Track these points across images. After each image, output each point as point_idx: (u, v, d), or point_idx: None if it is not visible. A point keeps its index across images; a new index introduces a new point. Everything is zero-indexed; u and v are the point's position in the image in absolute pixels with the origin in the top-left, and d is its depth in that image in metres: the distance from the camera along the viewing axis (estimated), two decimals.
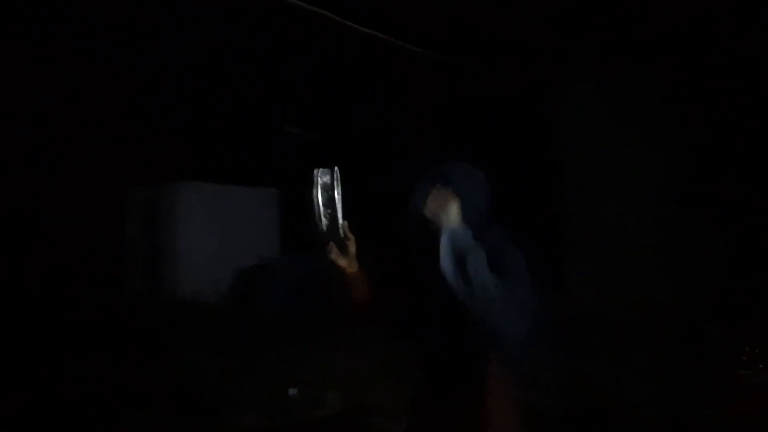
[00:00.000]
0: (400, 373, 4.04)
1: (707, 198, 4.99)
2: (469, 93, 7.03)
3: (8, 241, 7.57)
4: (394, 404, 3.67)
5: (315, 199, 1.54)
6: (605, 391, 3.56)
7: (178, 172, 8.11)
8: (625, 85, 5.60)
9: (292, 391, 4.03)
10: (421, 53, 6.82)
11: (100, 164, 8.36)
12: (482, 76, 6.81)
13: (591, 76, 5.82)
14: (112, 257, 8.18)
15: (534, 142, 6.41)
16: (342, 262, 1.60)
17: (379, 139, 8.00)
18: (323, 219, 1.55)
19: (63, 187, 8.22)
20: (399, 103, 7.61)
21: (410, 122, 7.61)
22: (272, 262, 7.68)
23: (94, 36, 7.68)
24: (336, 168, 1.57)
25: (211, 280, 7.33)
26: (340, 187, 1.56)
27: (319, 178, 1.55)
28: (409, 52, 6.78)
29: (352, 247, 1.60)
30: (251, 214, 8.46)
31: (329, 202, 1.55)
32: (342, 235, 1.57)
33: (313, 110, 8.55)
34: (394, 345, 4.45)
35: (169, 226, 8.00)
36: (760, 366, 3.59)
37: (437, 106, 7.38)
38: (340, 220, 1.56)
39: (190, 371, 4.48)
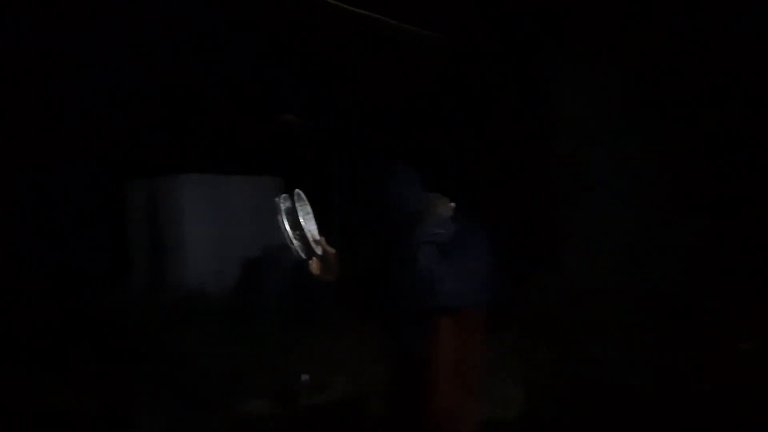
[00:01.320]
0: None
1: (706, 175, 4.98)
2: (463, 77, 6.98)
3: (14, 238, 7.67)
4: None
5: (281, 225, 1.65)
6: (602, 366, 3.59)
7: (178, 165, 8.14)
8: (620, 68, 5.54)
9: (304, 377, 4.11)
10: (417, 34, 6.74)
11: (101, 159, 8.41)
12: (476, 60, 6.76)
13: (587, 56, 5.74)
14: (116, 250, 8.27)
15: (527, 124, 6.37)
16: (326, 275, 1.66)
17: (375, 126, 7.98)
18: (294, 242, 1.66)
19: (65, 182, 8.28)
20: (396, 87, 7.56)
21: (407, 106, 7.57)
22: (275, 251, 7.73)
23: (92, 28, 7.65)
24: (297, 190, 1.70)
25: (215, 270, 7.40)
26: (307, 206, 1.69)
27: (281, 205, 1.67)
28: (407, 32, 6.71)
29: (333, 259, 1.66)
30: (253, 203, 8.49)
31: (295, 225, 1.66)
32: (320, 252, 1.66)
33: (312, 96, 8.51)
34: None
35: (172, 219, 8.05)
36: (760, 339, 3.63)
37: (432, 90, 7.33)
38: (312, 238, 1.66)
39: (197, 360, 4.55)
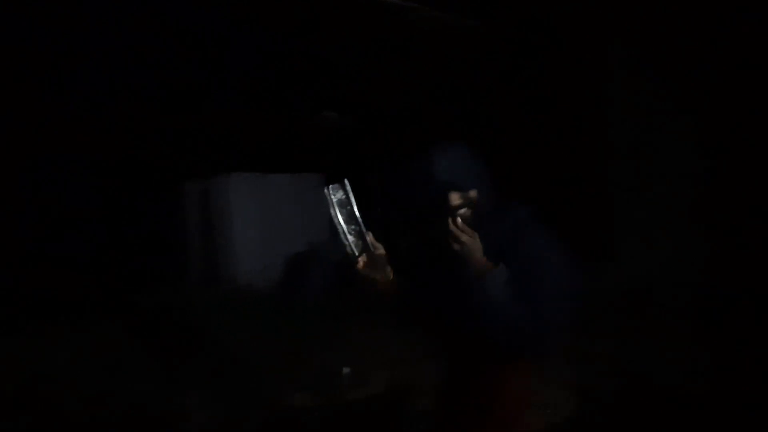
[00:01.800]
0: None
1: (760, 178, 4.66)
2: (511, 62, 6.77)
3: (81, 237, 8.16)
4: (437, 382, 3.72)
5: (335, 220, 1.45)
6: (654, 366, 3.45)
7: (229, 165, 8.41)
8: (674, 49, 5.25)
9: (345, 370, 4.16)
10: (454, 21, 6.60)
11: (158, 160, 8.80)
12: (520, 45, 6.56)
13: (638, 39, 5.47)
14: (173, 248, 8.65)
15: (578, 115, 6.15)
16: (376, 274, 1.50)
17: (412, 118, 7.91)
18: (349, 237, 1.46)
19: (124, 185, 8.73)
20: (434, 78, 7.46)
21: (444, 97, 7.46)
22: (321, 247, 7.87)
23: (142, 28, 7.92)
24: (345, 180, 1.48)
25: (264, 265, 7.63)
26: (353, 199, 1.47)
27: (332, 197, 1.46)
28: (445, 21, 6.59)
29: (382, 257, 1.49)
30: (299, 200, 8.68)
31: (350, 218, 1.46)
32: (371, 248, 1.47)
33: (350, 92, 8.55)
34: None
35: (223, 217, 8.35)
36: None
37: (474, 78, 7.18)
38: (366, 234, 1.46)
39: (245, 352, 4.71)
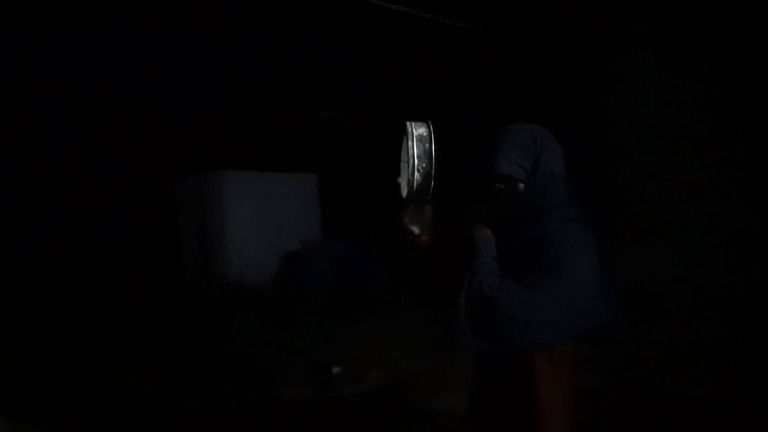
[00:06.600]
0: (439, 349, 4.14)
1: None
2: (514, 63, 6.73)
3: (68, 233, 8.11)
4: (433, 380, 3.77)
5: (409, 152, 1.35)
6: (658, 372, 3.43)
7: (223, 162, 8.42)
8: (682, 50, 5.17)
9: (335, 369, 4.20)
10: (452, 25, 6.63)
11: (151, 157, 8.78)
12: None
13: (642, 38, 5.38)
14: (167, 245, 8.63)
15: (579, 119, 6.15)
16: (417, 228, 1.40)
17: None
18: (416, 174, 1.35)
19: (118, 181, 8.70)
20: (434, 80, 7.48)
21: (447, 99, 7.49)
22: (314, 245, 7.91)
23: (134, 21, 7.87)
24: (430, 122, 1.39)
25: (257, 262, 7.64)
26: (434, 139, 1.37)
27: (414, 130, 1.37)
28: (442, 25, 6.62)
29: (430, 213, 1.42)
30: (293, 199, 8.70)
31: (425, 155, 1.35)
32: (429, 197, 1.38)
33: (349, 92, 8.58)
34: (432, 322, 4.54)
35: (217, 214, 8.35)
36: None
37: (476, 80, 7.19)
38: (432, 177, 1.36)
39: (240, 348, 4.73)
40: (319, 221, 9.00)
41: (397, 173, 1.48)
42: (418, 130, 1.37)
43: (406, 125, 1.39)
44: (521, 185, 1.36)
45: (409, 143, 1.36)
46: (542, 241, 1.31)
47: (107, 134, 8.67)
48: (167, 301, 6.14)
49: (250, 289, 6.95)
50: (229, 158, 8.53)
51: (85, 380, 4.04)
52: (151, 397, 3.73)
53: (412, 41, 7.04)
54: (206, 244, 8.41)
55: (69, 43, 7.83)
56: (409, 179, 1.37)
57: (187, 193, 8.88)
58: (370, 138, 8.28)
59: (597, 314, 1.32)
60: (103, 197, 8.61)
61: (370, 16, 6.42)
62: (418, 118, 1.41)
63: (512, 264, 1.33)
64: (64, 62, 8.01)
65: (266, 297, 6.66)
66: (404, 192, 1.42)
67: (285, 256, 7.89)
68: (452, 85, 7.26)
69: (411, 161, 1.35)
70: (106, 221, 8.41)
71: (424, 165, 1.35)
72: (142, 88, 8.67)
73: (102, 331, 5.08)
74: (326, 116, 8.36)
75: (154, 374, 4.12)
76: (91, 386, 3.92)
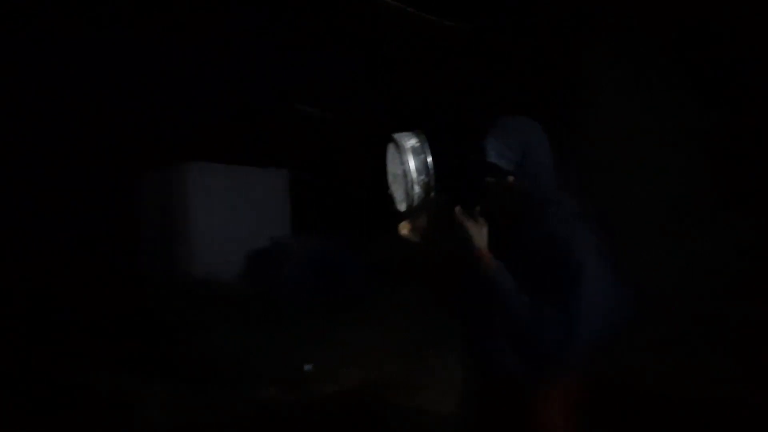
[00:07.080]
0: (415, 349, 4.10)
1: (739, 181, 4.75)
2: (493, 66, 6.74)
3: (25, 227, 7.72)
4: (408, 380, 3.73)
5: (405, 165, 1.31)
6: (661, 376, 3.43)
7: (189, 154, 8.15)
8: (657, 60, 5.28)
9: (307, 367, 4.10)
10: (436, 22, 6.60)
11: (113, 148, 8.44)
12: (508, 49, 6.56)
13: (621, 48, 5.48)
14: (127, 239, 8.30)
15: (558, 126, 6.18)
16: (430, 234, 1.36)
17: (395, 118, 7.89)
18: (416, 187, 1.31)
19: (77, 172, 8.32)
20: (414, 77, 7.43)
21: (427, 98, 7.45)
22: (285, 242, 7.75)
23: (103, 19, 7.65)
24: (420, 131, 1.36)
25: (224, 259, 7.42)
26: (428, 148, 1.33)
27: (405, 143, 1.32)
28: (423, 20, 6.58)
29: (431, 222, 1.36)
30: (262, 194, 8.51)
31: (423, 168, 1.31)
32: (434, 206, 1.34)
33: (326, 87, 8.47)
34: (408, 322, 4.50)
35: (182, 208, 8.08)
36: None
37: (457, 81, 7.17)
38: (433, 189, 1.33)
39: (207, 347, 4.57)
40: (292, 218, 8.84)
41: (385, 184, 1.42)
42: (409, 142, 1.33)
43: (394, 138, 1.35)
44: (511, 178, 1.32)
45: (404, 157, 1.31)
46: (551, 241, 1.27)
47: (66, 124, 8.28)
48: (131, 300, 5.89)
49: (217, 287, 6.76)
50: (196, 150, 8.27)
51: (42, 383, 3.82)
52: (114, 399, 3.55)
53: (396, 35, 6.96)
54: (171, 241, 8.13)
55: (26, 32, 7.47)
56: (408, 193, 1.33)
57: (150, 187, 8.57)
58: (349, 133, 8.17)
59: (616, 313, 1.29)
60: (62, 191, 8.21)
61: (352, 8, 6.33)
62: (404, 129, 1.37)
63: (526, 272, 1.27)
64: (20, 52, 7.63)
65: (234, 295, 6.49)
66: (402, 206, 1.37)
67: (254, 254, 7.70)
68: (439, 83, 7.22)
69: (409, 175, 1.31)
70: (67, 217, 8.03)
71: (422, 178, 1.32)
72: (106, 76, 8.33)
73: (62, 333, 4.84)
74: (303, 110, 8.22)
75: (117, 376, 3.93)
76: (50, 389, 3.71)
